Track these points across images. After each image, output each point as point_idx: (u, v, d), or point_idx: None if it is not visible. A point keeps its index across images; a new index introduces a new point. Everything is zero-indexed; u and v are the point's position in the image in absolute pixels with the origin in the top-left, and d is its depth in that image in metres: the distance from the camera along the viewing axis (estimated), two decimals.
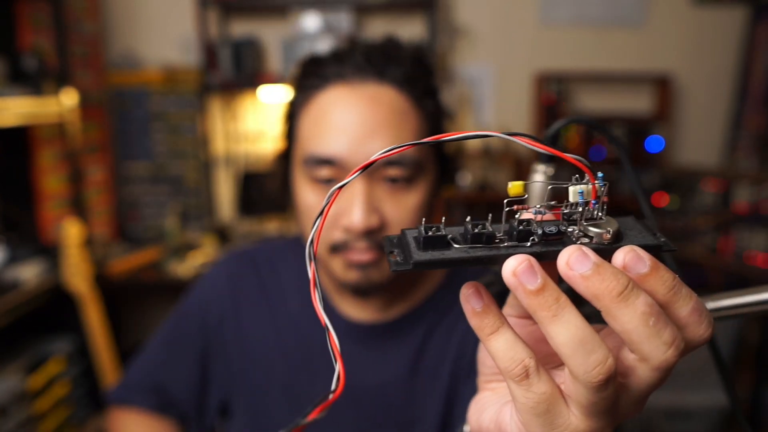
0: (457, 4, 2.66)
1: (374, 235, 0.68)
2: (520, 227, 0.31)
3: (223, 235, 2.65)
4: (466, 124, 2.71)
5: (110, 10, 2.68)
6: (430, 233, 0.31)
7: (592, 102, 2.71)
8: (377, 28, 2.63)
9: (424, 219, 0.33)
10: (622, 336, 0.29)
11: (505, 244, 0.31)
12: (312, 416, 0.31)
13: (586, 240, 0.31)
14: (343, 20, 2.53)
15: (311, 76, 0.73)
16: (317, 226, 0.30)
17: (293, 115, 0.76)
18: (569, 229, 0.32)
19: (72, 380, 2.12)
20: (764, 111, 2.51)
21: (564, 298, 0.29)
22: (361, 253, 0.69)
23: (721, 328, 2.23)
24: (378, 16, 2.65)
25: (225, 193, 2.80)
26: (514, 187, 0.30)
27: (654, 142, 2.61)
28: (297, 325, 0.83)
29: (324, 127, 0.69)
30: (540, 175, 0.49)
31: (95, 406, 2.17)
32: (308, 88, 0.73)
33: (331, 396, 0.31)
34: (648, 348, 0.29)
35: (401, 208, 0.69)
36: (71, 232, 1.85)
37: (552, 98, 2.63)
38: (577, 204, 0.32)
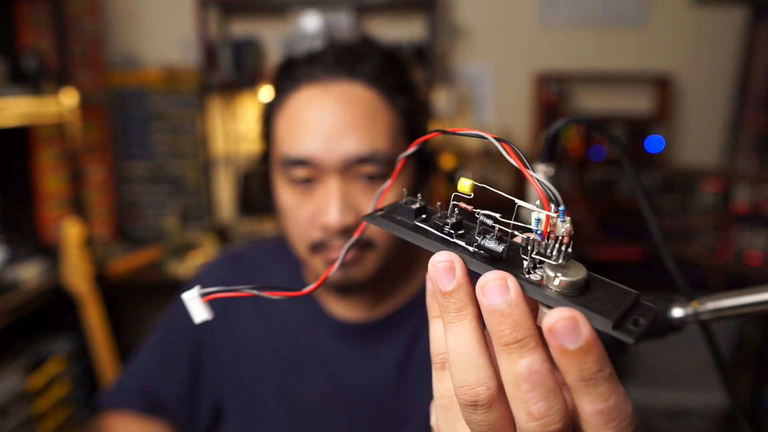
0: (457, 4, 2.66)
1: (352, 233, 0.68)
2: (461, 230, 0.31)
3: (223, 235, 2.65)
4: (466, 124, 2.71)
5: (110, 10, 2.68)
6: (407, 204, 0.33)
7: (592, 102, 2.71)
8: (377, 28, 2.63)
9: (420, 195, 0.35)
10: (507, 387, 0.27)
11: (454, 240, 0.31)
12: (267, 293, 0.34)
13: (537, 278, 0.28)
14: (343, 20, 2.53)
15: (285, 78, 0.74)
16: (381, 191, 0.36)
17: (270, 116, 0.77)
18: (525, 260, 0.29)
19: (72, 380, 2.12)
20: (764, 111, 2.51)
21: (467, 312, 0.29)
22: (340, 252, 0.70)
23: (721, 328, 2.23)
24: (378, 16, 2.65)
25: (225, 193, 2.80)
26: (463, 186, 0.30)
27: (654, 142, 2.61)
28: (286, 325, 0.83)
29: (297, 128, 0.70)
30: (540, 174, 0.49)
31: (95, 406, 2.17)
32: (282, 90, 0.74)
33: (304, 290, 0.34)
34: (514, 409, 0.27)
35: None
36: (71, 232, 1.85)
37: (552, 98, 2.63)
38: (530, 237, 0.29)
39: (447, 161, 2.53)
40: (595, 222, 2.54)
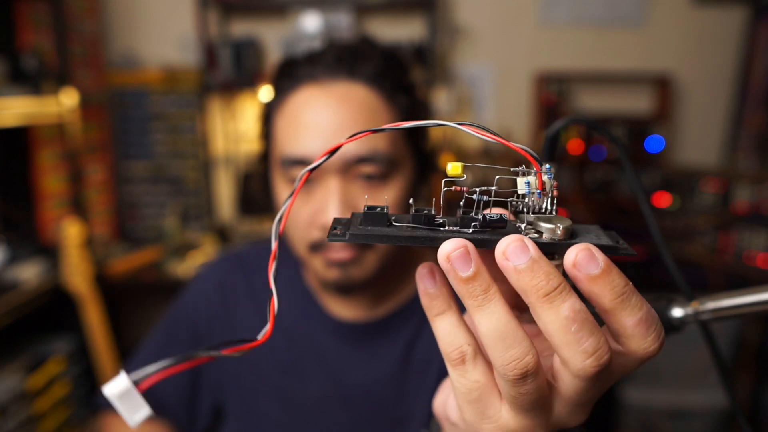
0: (457, 4, 2.66)
1: None
2: (463, 213, 0.31)
3: (223, 235, 2.65)
4: None
5: (110, 10, 2.68)
6: (371, 211, 0.31)
7: (592, 102, 2.71)
8: (377, 28, 2.63)
9: (366, 200, 0.34)
10: (545, 335, 0.29)
11: (446, 228, 0.31)
12: (226, 351, 0.30)
13: (536, 235, 0.31)
14: (343, 20, 2.53)
15: (285, 78, 0.74)
16: (287, 205, 0.31)
17: (269, 116, 0.77)
18: (519, 225, 0.31)
19: (72, 380, 2.12)
20: (764, 111, 2.51)
21: (493, 290, 0.29)
22: (340, 251, 0.70)
23: (721, 328, 2.23)
24: (378, 16, 2.65)
25: (225, 193, 2.80)
26: (454, 168, 0.30)
27: (654, 142, 2.61)
28: (285, 325, 0.83)
29: (297, 127, 0.70)
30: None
31: (95, 406, 2.17)
32: (282, 90, 0.74)
33: (259, 338, 0.31)
34: (567, 354, 0.28)
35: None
36: (71, 232, 1.85)
37: (552, 98, 2.63)
38: (524, 195, 0.31)
39: (446, 161, 2.53)
40: (595, 222, 2.54)
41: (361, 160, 0.68)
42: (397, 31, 2.61)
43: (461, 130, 0.30)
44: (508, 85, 2.72)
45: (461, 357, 0.32)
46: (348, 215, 0.67)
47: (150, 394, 0.88)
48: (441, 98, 2.63)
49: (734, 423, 2.23)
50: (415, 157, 0.77)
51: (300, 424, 0.80)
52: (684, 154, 2.74)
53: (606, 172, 2.65)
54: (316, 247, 0.71)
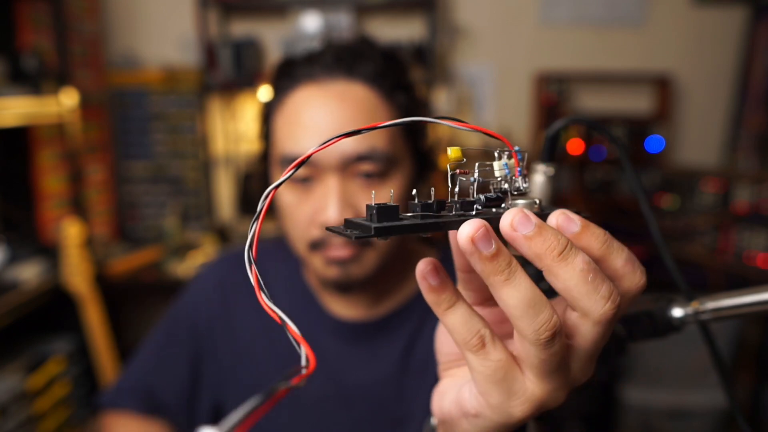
0: (457, 4, 2.66)
1: None
2: (462, 200, 0.33)
3: (223, 235, 2.65)
4: None
5: (110, 10, 2.68)
6: (382, 206, 0.32)
7: (592, 102, 2.71)
8: (377, 28, 2.63)
9: (372, 197, 0.35)
10: (563, 294, 0.31)
11: (453, 212, 0.33)
12: (295, 381, 0.29)
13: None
14: (343, 20, 2.53)
15: (284, 78, 0.74)
16: (255, 229, 0.31)
17: (269, 116, 0.77)
18: (502, 206, 0.34)
19: (72, 380, 2.12)
20: (764, 111, 2.51)
21: (515, 263, 0.30)
22: (339, 249, 0.70)
23: (721, 328, 2.23)
24: (378, 16, 2.65)
25: (225, 193, 2.80)
26: (454, 151, 0.32)
27: (654, 142, 2.61)
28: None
29: (296, 127, 0.70)
30: (540, 174, 0.49)
31: (95, 406, 2.17)
32: (281, 90, 0.74)
33: (303, 371, 0.30)
34: (588, 303, 0.30)
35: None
36: (71, 232, 1.85)
37: (552, 98, 2.63)
38: (504, 178, 0.34)
39: (446, 161, 2.53)
40: (595, 222, 2.54)
41: (360, 158, 0.68)
42: (397, 31, 2.61)
43: (437, 123, 0.33)
44: (508, 85, 2.72)
45: (481, 341, 0.32)
46: (348, 214, 0.68)
47: (150, 395, 0.88)
48: (441, 98, 2.63)
49: (734, 423, 2.24)
50: (414, 156, 0.77)
51: (300, 424, 0.80)
52: (684, 154, 2.74)
53: (606, 172, 2.65)
54: (315, 245, 0.72)
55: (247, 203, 2.67)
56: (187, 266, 2.38)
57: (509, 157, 0.34)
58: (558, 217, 0.32)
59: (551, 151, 0.47)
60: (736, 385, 2.27)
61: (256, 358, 0.83)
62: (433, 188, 0.34)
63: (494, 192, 0.34)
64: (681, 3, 2.63)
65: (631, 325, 0.45)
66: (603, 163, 2.59)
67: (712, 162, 2.72)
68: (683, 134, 2.73)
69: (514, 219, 0.30)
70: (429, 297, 0.33)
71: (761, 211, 2.23)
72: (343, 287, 0.75)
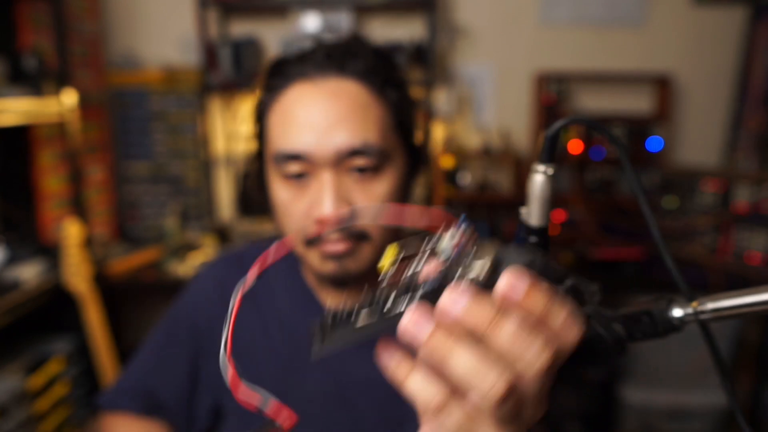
0: (457, 4, 2.66)
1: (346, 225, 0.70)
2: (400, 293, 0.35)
3: (223, 235, 2.65)
4: (466, 124, 2.71)
5: (110, 10, 2.68)
6: (336, 315, 0.36)
7: (592, 102, 2.71)
8: (377, 28, 2.63)
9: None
10: (506, 355, 0.33)
11: (397, 310, 0.35)
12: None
13: (472, 275, 0.35)
14: (343, 20, 2.53)
15: (276, 77, 0.75)
16: (228, 325, 0.37)
17: (262, 115, 0.78)
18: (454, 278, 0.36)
19: (72, 380, 2.12)
20: (764, 111, 2.51)
21: (455, 333, 0.33)
22: (335, 244, 0.71)
23: (721, 328, 2.23)
24: (378, 16, 2.65)
25: (225, 193, 2.80)
26: (390, 252, 0.36)
27: (654, 142, 2.61)
28: (285, 323, 0.84)
29: (290, 124, 0.71)
30: (540, 175, 0.49)
31: (95, 406, 2.17)
32: (274, 88, 0.75)
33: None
34: (529, 356, 0.33)
35: (370, 197, 0.71)
36: (71, 232, 1.85)
37: (552, 98, 2.63)
38: (450, 256, 0.35)
39: (446, 161, 2.53)
40: (595, 222, 2.54)
41: (354, 152, 0.69)
42: (397, 31, 2.61)
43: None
44: (508, 85, 2.72)
45: (444, 401, 0.35)
46: (343, 208, 0.69)
47: (150, 395, 0.88)
48: (441, 98, 2.63)
49: (734, 423, 2.24)
50: (406, 150, 0.78)
51: (299, 423, 0.80)
52: (684, 154, 2.74)
53: (606, 172, 2.66)
54: (311, 241, 0.72)
55: (246, 203, 2.67)
56: (187, 266, 2.38)
57: (452, 236, 0.35)
58: (505, 284, 0.33)
59: (551, 151, 0.47)
60: (735, 385, 2.27)
61: (256, 358, 0.83)
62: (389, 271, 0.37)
63: (445, 269, 0.35)
64: (681, 3, 2.63)
65: (631, 325, 0.44)
66: (603, 163, 2.59)
67: (712, 162, 2.72)
68: (683, 134, 2.74)
69: (444, 303, 0.33)
70: (391, 373, 0.36)
71: (761, 211, 2.23)
72: (340, 282, 0.75)
